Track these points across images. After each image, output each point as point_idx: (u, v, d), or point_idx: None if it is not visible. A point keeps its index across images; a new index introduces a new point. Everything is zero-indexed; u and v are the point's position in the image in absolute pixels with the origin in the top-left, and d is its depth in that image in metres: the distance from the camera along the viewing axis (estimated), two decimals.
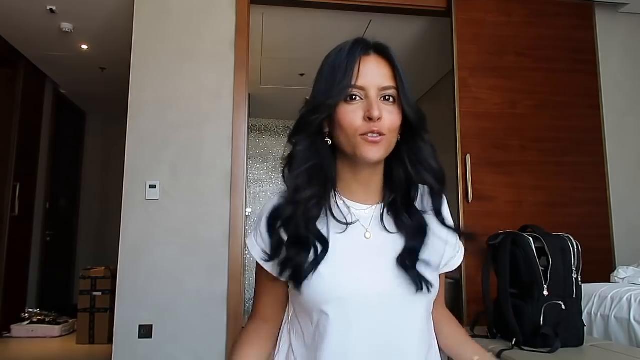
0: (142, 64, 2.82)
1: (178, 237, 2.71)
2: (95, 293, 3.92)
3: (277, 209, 0.89)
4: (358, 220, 0.90)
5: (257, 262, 0.93)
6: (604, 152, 3.12)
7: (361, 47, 0.87)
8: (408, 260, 0.86)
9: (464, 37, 3.04)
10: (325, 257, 0.85)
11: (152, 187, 2.72)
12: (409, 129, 0.90)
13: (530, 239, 1.74)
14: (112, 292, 3.18)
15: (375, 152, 0.85)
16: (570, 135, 3.07)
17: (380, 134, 0.84)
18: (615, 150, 3.14)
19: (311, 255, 0.84)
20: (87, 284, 3.94)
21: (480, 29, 3.07)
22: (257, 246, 0.92)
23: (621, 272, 2.28)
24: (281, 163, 0.92)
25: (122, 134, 2.77)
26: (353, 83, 0.85)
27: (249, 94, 3.14)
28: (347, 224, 0.89)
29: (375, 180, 0.93)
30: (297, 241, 0.85)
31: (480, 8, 3.09)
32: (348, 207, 0.91)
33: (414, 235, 0.89)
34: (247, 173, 3.24)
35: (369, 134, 0.84)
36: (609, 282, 2.29)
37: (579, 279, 1.74)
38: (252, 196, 6.04)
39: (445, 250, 0.93)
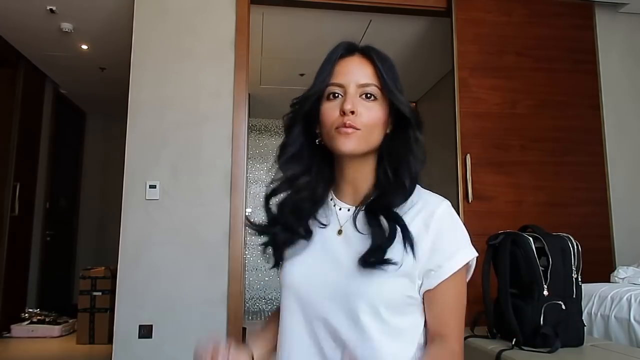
0: (142, 64, 2.82)
1: (178, 237, 2.71)
2: (95, 293, 3.92)
3: (274, 190, 0.98)
4: (337, 218, 0.96)
5: None
6: (604, 152, 3.12)
7: (343, 48, 0.94)
8: (370, 258, 0.85)
9: (464, 37, 3.04)
10: (304, 246, 0.94)
11: (152, 187, 2.72)
12: (402, 127, 0.93)
13: (530, 239, 1.74)
14: (112, 292, 3.18)
15: (348, 144, 0.89)
16: (570, 135, 3.07)
17: (354, 128, 0.88)
18: (615, 150, 3.14)
19: (288, 240, 0.95)
20: (87, 284, 3.94)
21: (480, 29, 3.07)
22: None
23: (621, 272, 2.28)
24: (276, 153, 0.99)
25: (122, 134, 2.77)
26: (332, 80, 0.91)
27: (249, 94, 3.14)
28: (323, 225, 0.95)
29: (361, 180, 0.95)
30: (285, 226, 0.95)
31: (480, 8, 3.08)
32: (334, 206, 0.97)
33: (382, 237, 0.86)
34: (247, 173, 3.24)
35: (342, 127, 0.89)
36: (609, 282, 2.29)
37: (579, 279, 1.74)
38: (252, 196, 6.04)
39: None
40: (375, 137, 0.92)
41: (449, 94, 3.14)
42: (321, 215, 0.97)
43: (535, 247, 1.72)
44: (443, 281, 0.86)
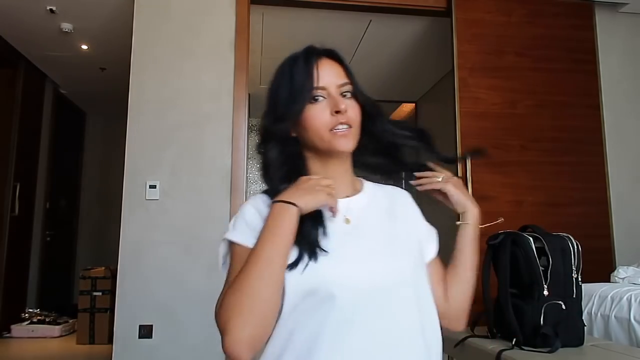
0: (142, 64, 2.83)
1: (178, 237, 2.71)
2: (95, 293, 3.92)
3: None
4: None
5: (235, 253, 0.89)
6: (604, 152, 3.12)
7: (314, 53, 0.95)
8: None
9: (464, 37, 3.04)
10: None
11: (152, 187, 2.72)
12: (369, 120, 0.98)
13: (530, 238, 1.74)
14: (112, 292, 3.18)
15: (347, 142, 0.92)
16: (570, 135, 3.07)
17: (349, 125, 0.92)
18: (615, 150, 3.14)
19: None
20: (87, 284, 3.94)
21: (480, 29, 3.07)
22: (252, 238, 0.87)
23: (621, 272, 2.29)
24: (260, 172, 0.99)
25: (122, 134, 2.77)
26: (315, 85, 0.92)
27: (249, 94, 3.14)
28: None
29: (345, 173, 1.00)
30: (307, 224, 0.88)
31: (480, 8, 3.09)
32: None
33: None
34: (247, 173, 3.24)
35: (339, 126, 0.91)
36: (609, 282, 2.29)
37: (579, 279, 1.74)
38: (252, 196, 6.04)
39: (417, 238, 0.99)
40: (359, 132, 0.96)
41: (449, 94, 3.14)
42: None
43: (535, 247, 1.72)
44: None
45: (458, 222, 1.06)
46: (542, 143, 3.02)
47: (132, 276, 2.65)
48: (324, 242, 0.86)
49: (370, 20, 3.53)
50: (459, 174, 2.91)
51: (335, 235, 0.89)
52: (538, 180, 2.97)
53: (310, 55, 0.94)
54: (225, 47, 2.89)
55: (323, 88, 0.92)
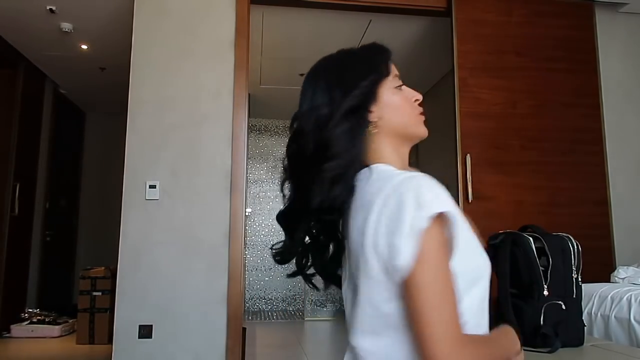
0: (142, 64, 2.82)
1: (178, 237, 2.71)
2: (95, 293, 3.92)
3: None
4: None
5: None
6: (604, 152, 3.12)
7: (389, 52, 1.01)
8: None
9: (464, 37, 3.04)
10: None
11: (152, 187, 2.72)
12: None
13: (530, 239, 1.74)
14: (112, 292, 3.18)
15: (426, 130, 0.98)
16: (570, 135, 3.07)
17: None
18: (615, 150, 3.14)
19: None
20: (87, 284, 3.93)
21: (480, 29, 3.07)
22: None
23: (621, 272, 2.29)
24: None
25: (122, 134, 2.77)
26: (396, 73, 0.98)
27: (249, 94, 3.14)
28: None
29: (408, 163, 1.01)
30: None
31: (480, 8, 3.09)
32: None
33: None
34: (247, 173, 3.24)
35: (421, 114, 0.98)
36: (609, 282, 2.29)
37: (579, 279, 1.74)
38: (252, 196, 6.04)
39: None
40: None
41: (449, 94, 3.14)
42: None
43: (535, 247, 1.72)
44: None
45: None
46: (542, 143, 3.02)
47: (131, 276, 2.65)
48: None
49: (370, 20, 3.53)
50: (459, 174, 2.91)
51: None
52: (538, 180, 2.97)
53: (387, 51, 0.99)
54: (225, 47, 2.88)
55: (400, 78, 0.98)
